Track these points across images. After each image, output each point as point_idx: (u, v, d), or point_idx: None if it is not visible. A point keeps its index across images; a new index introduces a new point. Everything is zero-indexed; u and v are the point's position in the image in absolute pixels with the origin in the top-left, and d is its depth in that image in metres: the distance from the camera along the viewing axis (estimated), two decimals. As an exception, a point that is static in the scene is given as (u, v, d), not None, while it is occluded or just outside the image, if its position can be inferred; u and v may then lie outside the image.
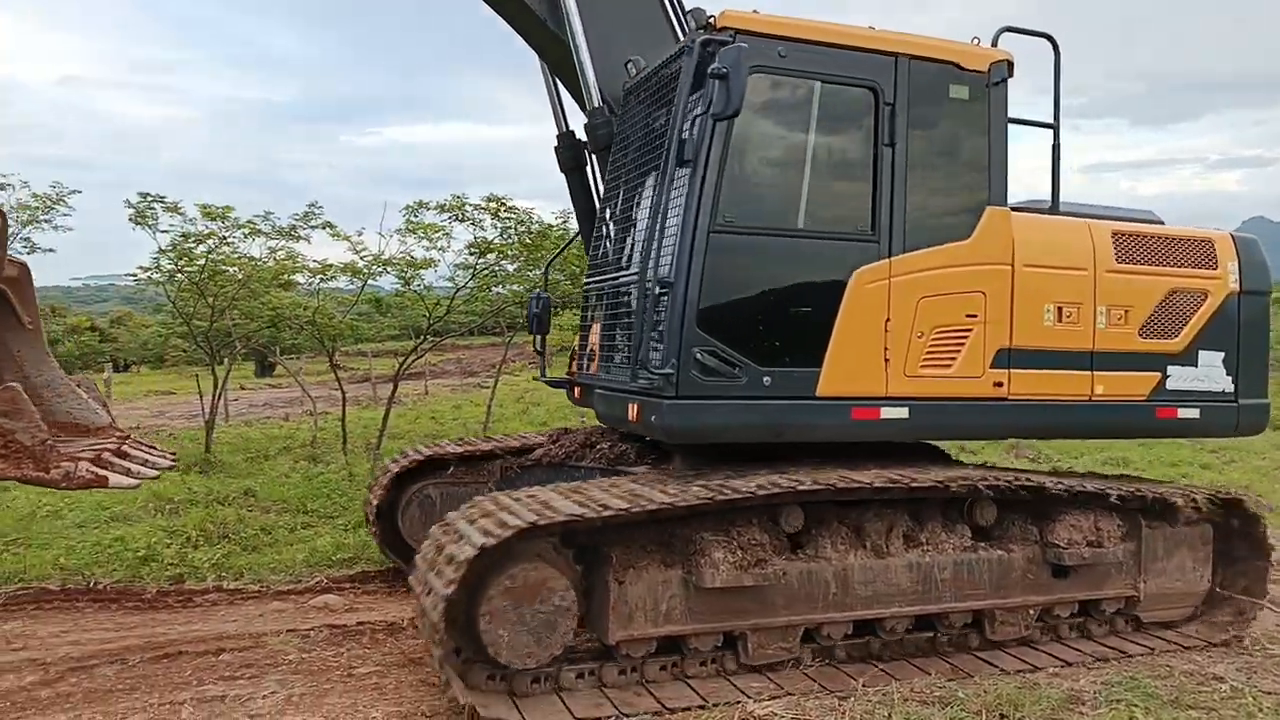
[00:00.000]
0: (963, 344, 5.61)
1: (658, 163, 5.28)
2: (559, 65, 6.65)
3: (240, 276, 12.24)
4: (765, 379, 5.19)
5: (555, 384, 7.09)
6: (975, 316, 5.63)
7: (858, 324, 5.35)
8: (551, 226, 12.77)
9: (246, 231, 11.94)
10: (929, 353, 5.53)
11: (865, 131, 5.42)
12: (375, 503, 6.89)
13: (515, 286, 13.81)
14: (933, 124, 5.59)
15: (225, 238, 11.85)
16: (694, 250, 5.03)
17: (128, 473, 5.46)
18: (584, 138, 6.55)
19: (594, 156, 6.40)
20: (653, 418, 5.10)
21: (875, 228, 5.41)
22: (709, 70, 4.78)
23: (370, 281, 12.93)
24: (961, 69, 5.61)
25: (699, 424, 5.14)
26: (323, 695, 4.95)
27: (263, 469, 11.35)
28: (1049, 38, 6.14)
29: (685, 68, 5.08)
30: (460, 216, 12.10)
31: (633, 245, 5.71)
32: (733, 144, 5.10)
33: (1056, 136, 6.20)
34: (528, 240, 12.49)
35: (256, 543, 8.03)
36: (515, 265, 13.12)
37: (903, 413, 5.48)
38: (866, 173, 5.42)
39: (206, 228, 11.66)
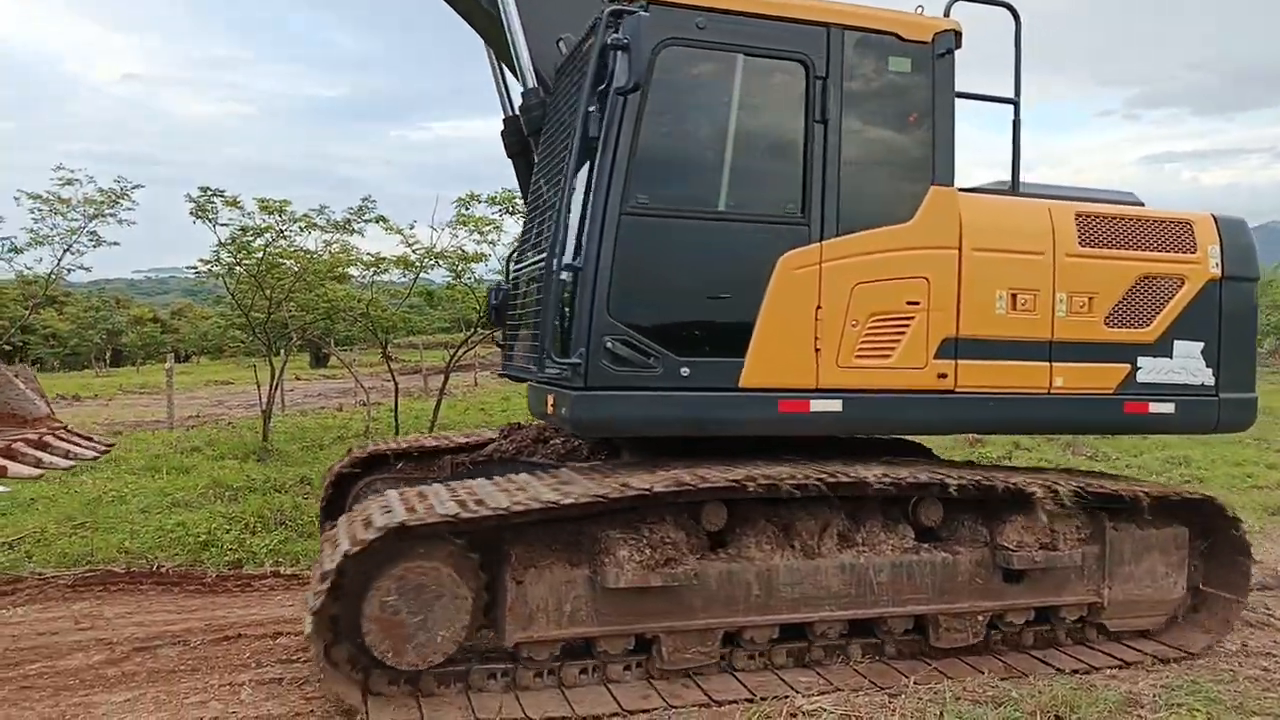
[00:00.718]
0: (903, 333, 5.28)
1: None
2: (502, 49, 6.44)
3: (296, 269, 12.45)
4: (683, 369, 4.92)
5: (517, 378, 6.88)
6: (917, 304, 5.29)
7: (785, 312, 5.05)
8: None
9: (302, 225, 12.19)
10: (865, 342, 5.21)
11: (795, 107, 5.11)
12: (322, 501, 6.77)
13: None
14: (870, 99, 5.25)
15: (282, 231, 12.10)
16: (604, 234, 4.77)
17: (37, 463, 5.42)
18: None
19: (532, 140, 6.17)
20: (563, 410, 4.87)
21: (805, 210, 5.10)
22: (609, 41, 4.53)
23: (422, 275, 13.10)
24: (902, 40, 5.27)
25: (610, 416, 4.89)
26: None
27: (318, 458, 11.53)
28: (1009, 7, 5.77)
29: (596, 41, 4.82)
30: (510, 209, 12.02)
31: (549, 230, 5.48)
32: (646, 121, 4.84)
33: (1017, 112, 5.82)
34: None
35: (312, 530, 8.08)
36: None
37: (835, 405, 5.17)
38: (796, 151, 5.11)
39: (264, 221, 11.93)
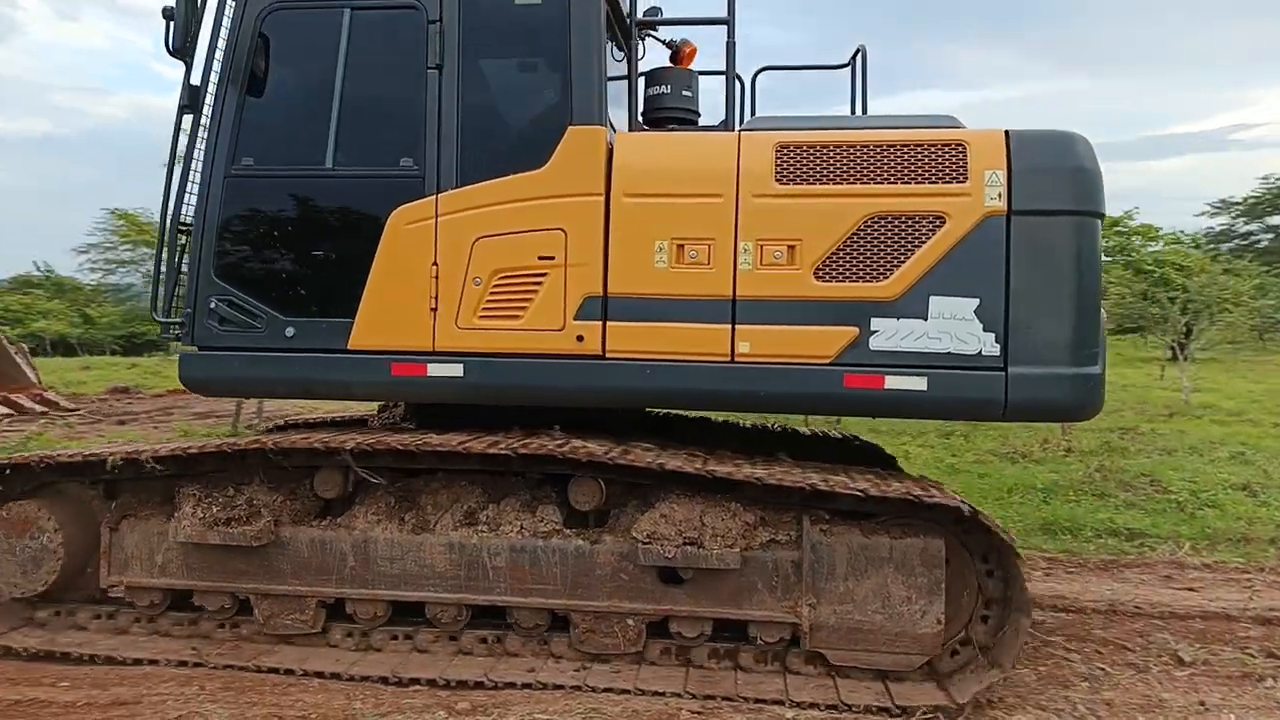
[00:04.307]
0: (535, 291, 4.72)
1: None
2: None
3: None
4: (288, 330, 4.87)
5: None
6: (551, 259, 4.70)
7: (396, 270, 4.79)
8: None
9: None
10: (490, 302, 4.75)
11: (409, 56, 4.84)
12: None
13: None
14: (493, 38, 4.82)
15: None
16: (209, 196, 4.92)
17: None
18: None
19: None
20: (180, 370, 5.06)
21: (420, 162, 4.81)
22: (162, 9, 4.70)
23: None
24: (531, -29, 4.77)
25: (218, 377, 4.98)
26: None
27: None
28: None
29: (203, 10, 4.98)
30: None
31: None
32: (253, 85, 4.91)
33: (730, 35, 4.94)
34: None
35: None
36: None
37: (456, 370, 4.77)
38: (410, 103, 4.84)
39: None
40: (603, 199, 4.68)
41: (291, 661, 4.60)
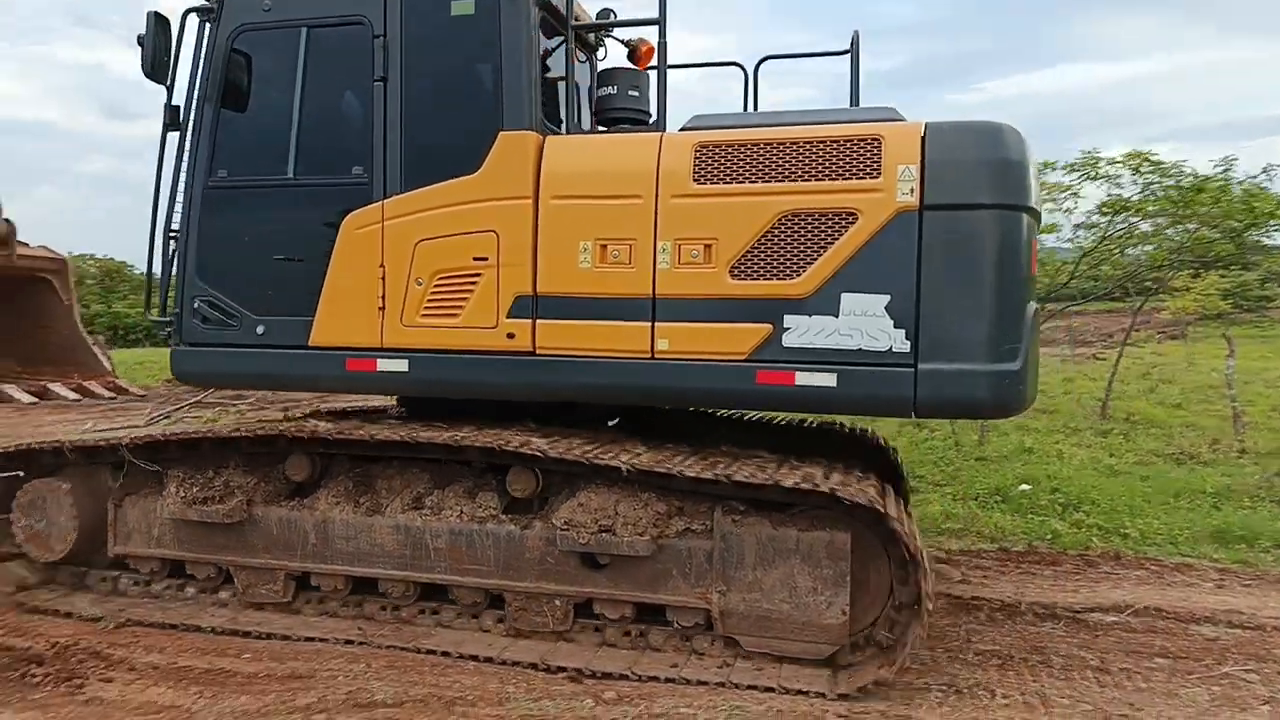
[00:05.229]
0: (471, 291, 5.01)
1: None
2: None
3: None
4: (259, 328, 5.34)
5: None
6: (485, 260, 4.97)
7: (348, 272, 5.17)
8: (1208, 178, 11.15)
9: None
10: (430, 301, 5.07)
11: (358, 70, 5.16)
12: None
13: (1148, 247, 12.42)
14: (431, 49, 5.07)
15: None
16: (191, 206, 5.42)
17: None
18: None
19: None
20: (172, 364, 5.61)
21: (369, 170, 5.15)
22: (137, 36, 5.17)
23: None
24: (464, -18, 4.99)
25: (202, 371, 5.52)
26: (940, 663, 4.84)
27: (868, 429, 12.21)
28: None
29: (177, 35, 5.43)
30: (1093, 174, 11.11)
31: None
32: (225, 102, 5.34)
33: (662, 34, 5.03)
34: (1175, 196, 10.99)
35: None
36: (1151, 224, 11.82)
37: (401, 365, 5.13)
38: (359, 114, 5.18)
39: None
40: (532, 201, 4.90)
41: (448, 644, 4.83)
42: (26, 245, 8.43)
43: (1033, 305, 4.64)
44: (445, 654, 4.78)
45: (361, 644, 4.90)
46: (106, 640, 4.97)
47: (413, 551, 5.04)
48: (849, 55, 5.56)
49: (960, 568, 6.45)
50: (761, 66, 5.92)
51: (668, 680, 4.47)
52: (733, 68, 6.11)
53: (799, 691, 4.35)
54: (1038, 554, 6.85)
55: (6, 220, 8.08)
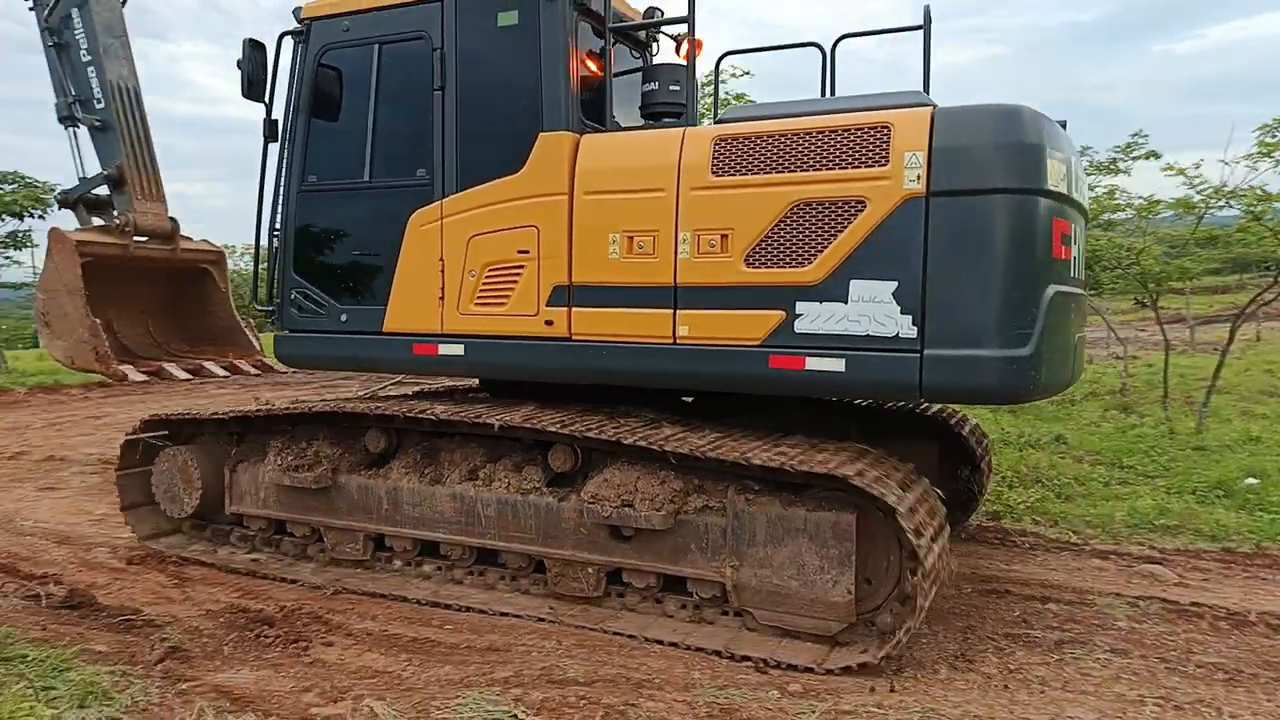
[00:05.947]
0: (515, 281, 5.44)
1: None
2: None
3: None
4: (343, 316, 5.99)
5: None
6: (527, 253, 5.39)
7: (414, 265, 5.72)
8: None
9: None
10: (483, 291, 5.54)
11: (420, 80, 5.67)
12: None
13: None
14: (481, 58, 5.50)
15: None
16: (288, 207, 6.13)
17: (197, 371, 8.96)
18: None
19: None
20: (275, 348, 6.37)
21: (430, 172, 5.66)
22: (236, 61, 5.88)
23: (1208, 214, 10.96)
24: (506, -7, 5.38)
25: (300, 354, 6.23)
26: (1156, 675, 4.53)
27: (1070, 414, 11.04)
28: None
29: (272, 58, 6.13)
30: None
31: None
32: (314, 114, 6.01)
33: (691, 33, 5.24)
34: None
35: (1070, 492, 7.88)
36: None
37: (458, 350, 5.63)
38: (422, 121, 5.68)
39: None
40: (567, 197, 5.26)
41: (634, 628, 4.98)
42: (190, 240, 9.62)
43: (1054, 289, 4.56)
44: (631, 636, 4.91)
45: (552, 622, 5.11)
46: (326, 605, 5.41)
47: (467, 518, 5.55)
48: (921, 31, 5.54)
49: (1177, 569, 6.05)
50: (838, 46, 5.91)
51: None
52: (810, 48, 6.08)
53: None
54: (1267, 556, 6.30)
55: (171, 218, 9.27)
